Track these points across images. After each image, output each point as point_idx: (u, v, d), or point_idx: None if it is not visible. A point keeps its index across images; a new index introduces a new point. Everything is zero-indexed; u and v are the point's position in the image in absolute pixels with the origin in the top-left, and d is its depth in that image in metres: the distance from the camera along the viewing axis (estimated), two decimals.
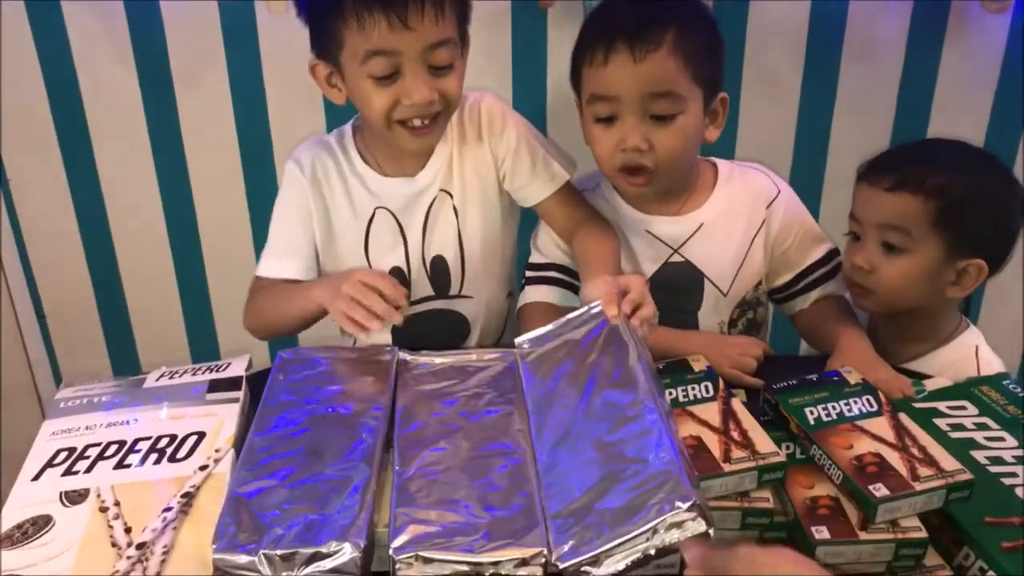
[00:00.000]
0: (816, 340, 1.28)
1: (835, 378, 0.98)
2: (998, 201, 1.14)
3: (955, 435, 0.92)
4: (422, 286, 1.28)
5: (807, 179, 1.83)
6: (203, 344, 2.02)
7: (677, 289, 1.26)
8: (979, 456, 0.88)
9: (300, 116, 1.78)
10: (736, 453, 0.84)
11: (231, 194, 1.86)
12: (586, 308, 1.03)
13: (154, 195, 1.86)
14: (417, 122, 1.14)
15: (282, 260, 1.26)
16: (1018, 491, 0.84)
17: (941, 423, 0.94)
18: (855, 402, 0.92)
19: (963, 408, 0.97)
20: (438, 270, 1.28)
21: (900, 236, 1.13)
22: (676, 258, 1.26)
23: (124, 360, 2.02)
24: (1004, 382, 1.01)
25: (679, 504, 0.71)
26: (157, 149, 1.82)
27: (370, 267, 1.26)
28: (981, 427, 0.93)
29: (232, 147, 1.81)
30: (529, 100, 1.77)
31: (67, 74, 1.75)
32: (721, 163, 1.31)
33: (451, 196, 1.25)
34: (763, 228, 1.26)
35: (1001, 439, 0.91)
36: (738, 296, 1.28)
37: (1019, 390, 0.99)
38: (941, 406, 0.97)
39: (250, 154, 1.83)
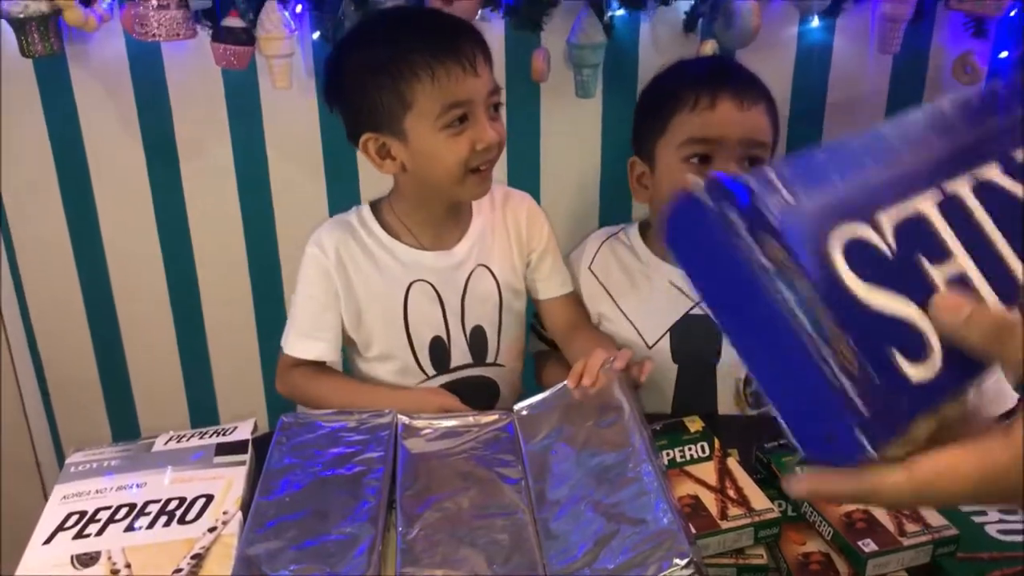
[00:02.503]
0: None
1: None
2: None
3: None
4: (460, 354, 1.32)
5: None
6: (203, 411, 2.03)
7: (695, 342, 1.29)
8: None
9: (302, 188, 1.82)
10: (732, 511, 0.86)
11: (233, 264, 1.89)
12: None
13: (157, 264, 1.89)
14: (484, 167, 1.19)
15: (308, 341, 1.30)
16: (988, 528, 0.87)
17: None
18: None
19: None
20: (477, 340, 1.32)
21: None
22: (696, 311, 1.29)
23: (124, 427, 2.03)
24: None
25: (677, 561, 0.74)
26: (161, 219, 1.86)
27: (410, 338, 1.29)
28: None
29: (235, 218, 1.85)
30: (525, 171, 1.82)
31: (74, 142, 1.79)
32: None
33: (491, 271, 1.30)
34: None
35: None
36: None
37: None
38: None
39: (252, 225, 1.87)
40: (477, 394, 1.32)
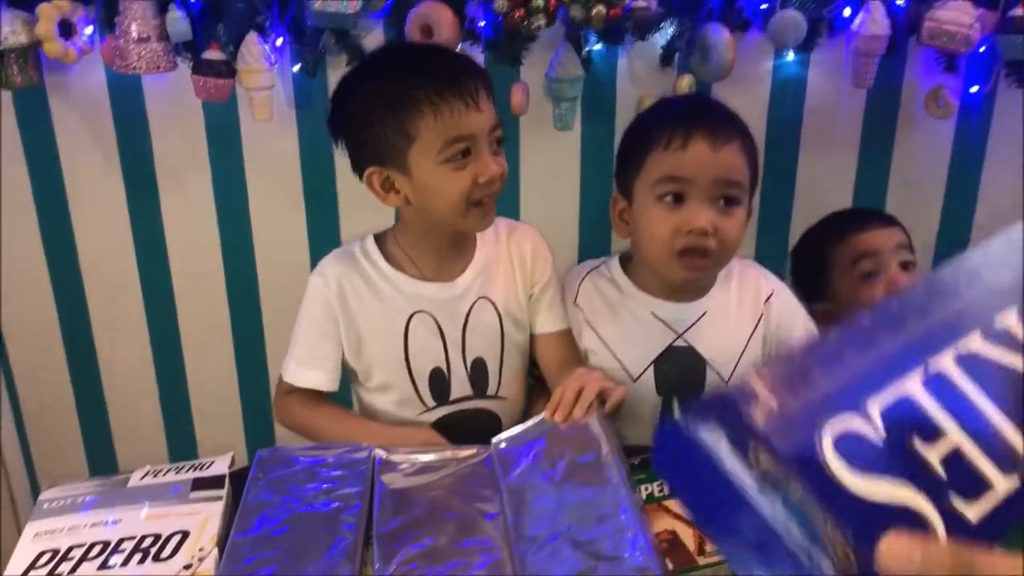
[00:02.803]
0: None
1: None
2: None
3: None
4: (461, 387, 1.31)
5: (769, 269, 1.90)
6: (182, 443, 2.02)
7: (679, 374, 1.30)
8: None
9: (282, 220, 1.83)
10: (710, 546, 0.87)
11: (213, 296, 1.89)
12: None
13: (136, 295, 1.89)
14: (486, 200, 1.21)
15: (307, 370, 1.30)
16: None
17: None
18: None
19: None
20: (479, 372, 1.32)
21: (910, 252, 1.54)
22: (680, 343, 1.30)
23: (102, 460, 2.02)
24: None
25: None
26: (140, 250, 1.85)
27: (410, 370, 1.30)
28: None
29: (215, 249, 1.85)
30: (504, 202, 1.82)
31: (53, 174, 1.79)
32: None
33: (493, 303, 1.30)
34: (762, 322, 1.32)
35: None
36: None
37: None
38: None
39: (232, 257, 1.86)
40: (478, 426, 1.32)
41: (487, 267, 1.31)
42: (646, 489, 0.97)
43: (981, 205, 1.87)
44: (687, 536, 0.89)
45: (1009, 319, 0.49)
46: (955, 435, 0.45)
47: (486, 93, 1.18)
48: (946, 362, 0.47)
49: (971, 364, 0.47)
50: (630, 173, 1.26)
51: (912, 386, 0.46)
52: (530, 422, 1.10)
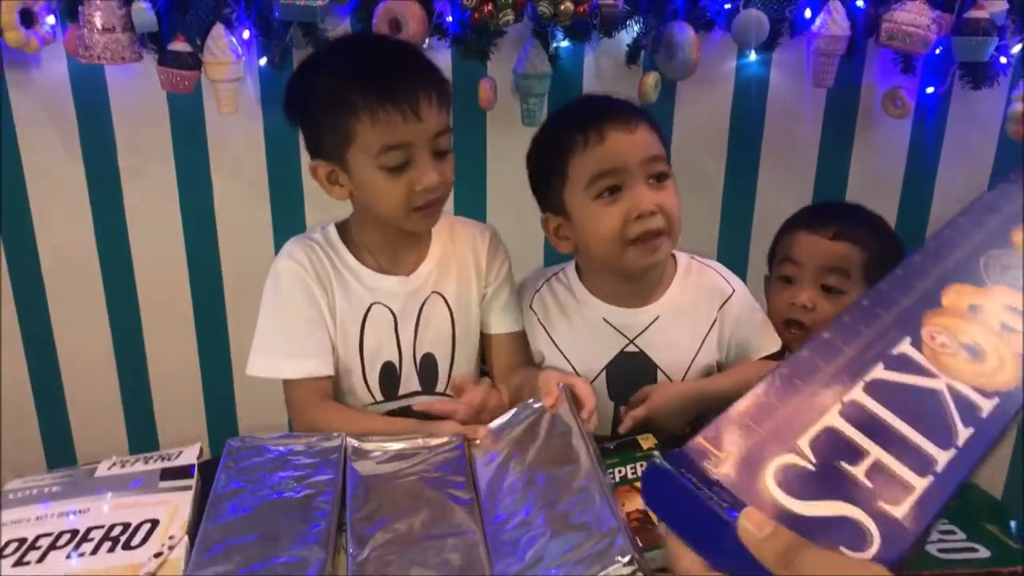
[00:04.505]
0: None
1: None
2: (900, 256, 1.30)
3: None
4: (410, 382, 1.30)
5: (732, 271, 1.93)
6: (142, 437, 2.00)
7: (630, 379, 1.29)
8: None
9: (247, 213, 1.82)
10: None
11: (176, 289, 1.88)
12: (531, 400, 1.08)
13: (98, 288, 1.86)
14: (428, 206, 1.18)
15: (308, 359, 1.24)
16: (928, 548, 0.90)
17: None
18: None
19: None
20: (428, 367, 1.31)
21: (839, 278, 1.31)
22: (631, 348, 1.30)
23: (60, 454, 1.99)
24: None
25: (619, 559, 0.75)
26: (102, 243, 1.83)
27: (363, 360, 1.27)
28: None
29: (178, 242, 1.84)
30: (471, 197, 1.84)
31: (13, 166, 1.76)
32: (680, 256, 1.35)
33: (445, 299, 1.29)
34: (715, 326, 1.31)
35: None
36: None
37: None
38: None
39: (195, 250, 1.85)
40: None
41: (442, 262, 1.30)
42: (620, 472, 0.99)
43: (937, 202, 1.92)
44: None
45: (904, 347, 0.58)
46: (874, 451, 0.53)
47: (434, 98, 1.14)
48: (857, 392, 0.56)
49: (877, 389, 0.56)
50: (554, 188, 1.25)
51: (832, 418, 0.54)
52: (504, 416, 1.10)
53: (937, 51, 1.73)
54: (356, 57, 1.20)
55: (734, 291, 1.33)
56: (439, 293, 1.29)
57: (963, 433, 0.55)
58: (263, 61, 1.69)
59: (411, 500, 0.96)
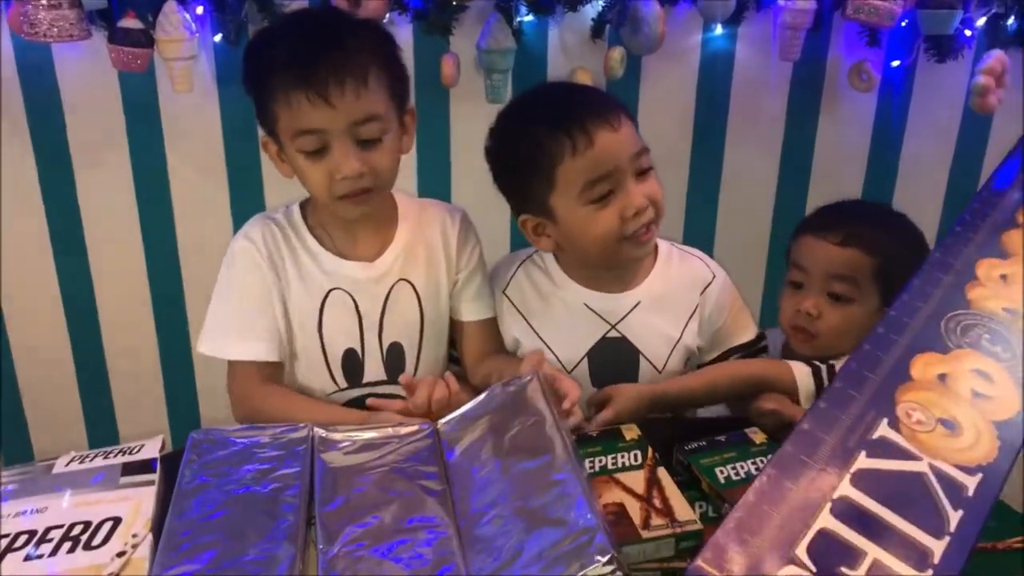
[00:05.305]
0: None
1: (742, 438, 1.03)
2: (920, 257, 1.25)
3: None
4: (375, 370, 1.27)
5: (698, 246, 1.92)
6: (102, 431, 1.96)
7: (613, 365, 1.28)
8: None
9: (204, 195, 1.77)
10: (655, 520, 0.87)
11: (132, 274, 1.83)
12: (502, 383, 1.06)
13: (50, 275, 1.81)
14: (352, 194, 1.15)
15: (255, 342, 1.23)
16: None
17: None
18: (762, 461, 0.97)
19: None
20: (394, 356, 1.28)
21: (847, 286, 1.25)
22: (613, 334, 1.28)
23: (16, 449, 1.94)
24: None
25: (598, 558, 0.73)
26: (55, 228, 1.78)
27: (323, 345, 1.25)
28: None
29: (134, 226, 1.79)
30: (434, 175, 1.81)
31: None
32: (662, 243, 1.33)
33: (413, 286, 1.26)
34: (697, 311, 1.30)
35: None
36: (671, 374, 1.29)
37: None
38: None
39: (151, 233, 1.81)
40: None
41: (409, 248, 1.27)
42: (599, 461, 0.97)
43: (902, 174, 1.92)
44: (634, 509, 0.88)
45: (882, 430, 0.59)
46: (871, 551, 0.53)
47: (347, 86, 1.09)
48: (844, 486, 0.56)
49: (864, 480, 0.56)
50: (537, 192, 1.21)
51: (824, 518, 0.55)
52: (471, 403, 1.08)
53: (903, 24, 1.72)
54: (283, 37, 1.17)
55: (715, 277, 1.32)
56: (407, 280, 1.26)
57: (953, 517, 0.55)
58: (218, 38, 1.64)
59: (381, 492, 0.93)
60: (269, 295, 1.23)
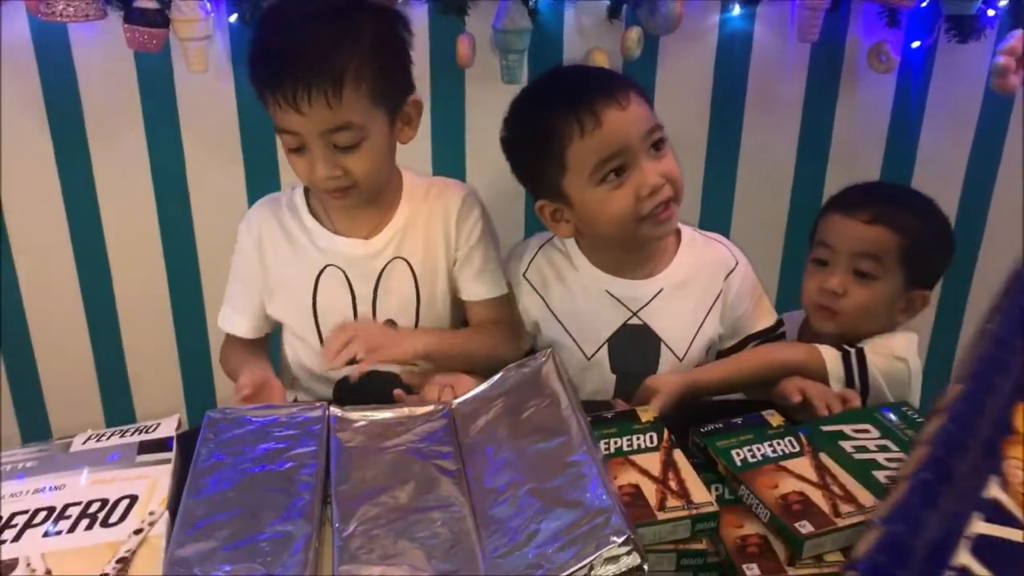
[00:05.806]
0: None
1: (758, 421, 1.02)
2: (945, 241, 1.29)
3: (859, 456, 0.97)
4: None
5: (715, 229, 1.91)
6: (118, 410, 1.96)
7: (634, 352, 1.28)
8: (880, 476, 0.93)
9: (219, 176, 1.77)
10: (671, 502, 0.86)
11: (148, 255, 1.84)
12: (516, 363, 1.06)
13: (68, 256, 1.82)
14: (335, 192, 1.17)
15: (234, 316, 1.33)
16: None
17: (846, 445, 0.99)
18: (778, 443, 0.97)
19: (866, 431, 1.02)
20: None
21: (873, 264, 1.24)
22: (635, 321, 1.28)
23: (33, 427, 1.95)
24: (903, 408, 1.07)
25: (614, 539, 0.73)
26: (71, 209, 1.78)
27: (317, 323, 1.28)
28: (883, 448, 0.98)
29: (150, 206, 1.79)
30: (449, 156, 1.81)
31: None
32: (685, 229, 1.32)
33: (410, 265, 1.26)
34: (720, 298, 1.29)
35: (901, 460, 0.96)
36: (693, 362, 1.29)
37: (916, 416, 1.05)
38: (847, 429, 1.03)
39: (167, 214, 1.81)
40: (385, 390, 1.25)
41: (408, 227, 1.26)
42: (615, 443, 0.97)
43: (921, 157, 1.90)
44: (650, 491, 0.88)
45: (994, 490, 0.51)
46: None
47: (319, 98, 1.07)
48: (964, 556, 0.47)
49: (983, 550, 0.47)
50: (551, 177, 1.20)
51: None
52: (487, 382, 1.08)
53: (924, 3, 1.70)
54: (268, 26, 1.16)
55: (737, 263, 1.31)
56: (403, 258, 1.26)
57: None
58: (233, 18, 1.63)
59: (397, 471, 0.94)
60: (254, 278, 1.29)
